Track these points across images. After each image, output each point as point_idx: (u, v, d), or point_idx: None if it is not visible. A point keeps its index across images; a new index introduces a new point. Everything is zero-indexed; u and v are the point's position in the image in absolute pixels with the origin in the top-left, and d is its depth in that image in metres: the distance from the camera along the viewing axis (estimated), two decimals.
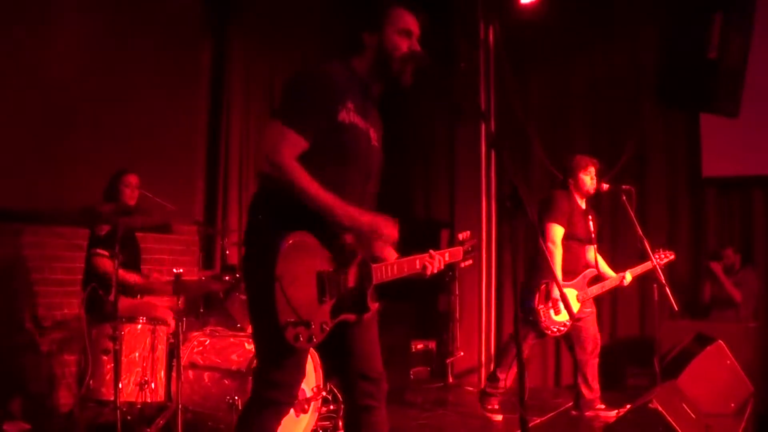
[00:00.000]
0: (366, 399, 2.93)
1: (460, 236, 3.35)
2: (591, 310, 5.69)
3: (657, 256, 5.60)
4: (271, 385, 2.79)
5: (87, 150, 5.96)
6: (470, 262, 3.35)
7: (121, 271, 4.87)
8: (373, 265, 2.87)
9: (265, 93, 7.72)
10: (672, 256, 5.72)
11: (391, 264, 2.95)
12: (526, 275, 5.67)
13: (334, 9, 7.70)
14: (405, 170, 8.83)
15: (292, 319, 2.61)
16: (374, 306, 2.89)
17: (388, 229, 2.82)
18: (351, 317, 2.84)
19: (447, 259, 3.17)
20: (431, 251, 3.09)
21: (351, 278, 2.81)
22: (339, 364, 2.99)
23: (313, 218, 2.69)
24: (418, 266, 3.05)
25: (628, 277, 5.67)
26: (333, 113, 2.77)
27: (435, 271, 3.08)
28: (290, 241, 2.63)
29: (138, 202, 5.41)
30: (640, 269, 5.68)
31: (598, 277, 5.71)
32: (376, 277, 2.87)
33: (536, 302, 5.41)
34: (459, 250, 3.28)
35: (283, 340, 2.61)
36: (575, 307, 5.49)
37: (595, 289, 5.61)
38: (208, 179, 7.29)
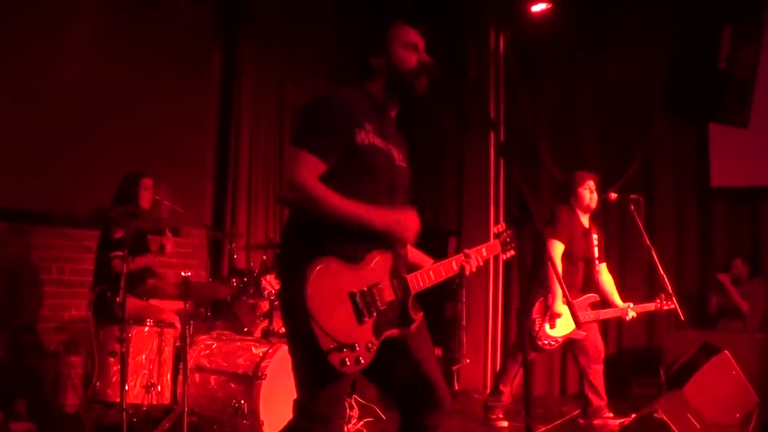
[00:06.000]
0: (423, 420, 2.89)
1: (495, 229, 3.25)
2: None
3: (658, 301, 5.50)
4: (311, 418, 2.72)
5: (97, 153, 6.01)
6: (512, 253, 3.25)
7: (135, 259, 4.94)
8: (408, 276, 2.84)
9: (275, 99, 7.75)
10: (673, 306, 5.47)
11: (427, 270, 2.91)
12: (526, 286, 5.63)
13: (345, 16, 7.73)
14: (414, 179, 8.79)
15: (334, 345, 2.58)
16: (418, 316, 2.83)
17: (414, 221, 2.81)
18: (396, 332, 2.78)
19: (485, 254, 3.11)
20: (465, 251, 3.05)
21: (387, 293, 2.76)
22: (394, 385, 2.91)
23: (341, 242, 2.67)
24: (455, 268, 3.00)
25: (631, 313, 5.55)
26: (351, 136, 2.75)
27: (474, 269, 3.03)
28: (317, 269, 2.60)
29: (151, 206, 5.46)
30: (642, 308, 5.57)
31: (604, 302, 5.64)
32: (413, 287, 2.84)
33: (534, 312, 5.39)
34: (496, 244, 3.18)
35: (329, 367, 2.58)
36: (568, 326, 5.42)
37: (592, 315, 5.50)
38: (217, 183, 7.33)
